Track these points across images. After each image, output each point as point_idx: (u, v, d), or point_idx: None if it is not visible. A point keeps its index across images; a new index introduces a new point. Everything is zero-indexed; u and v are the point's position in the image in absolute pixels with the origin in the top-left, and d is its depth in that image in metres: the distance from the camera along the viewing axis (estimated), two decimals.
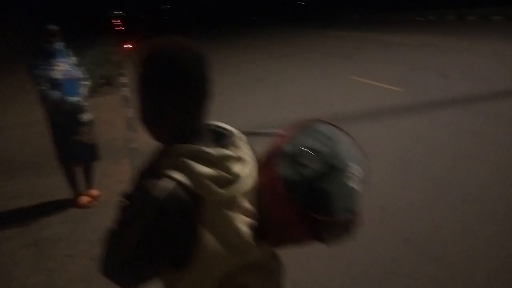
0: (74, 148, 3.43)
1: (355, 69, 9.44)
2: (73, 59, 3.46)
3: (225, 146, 0.88)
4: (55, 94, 3.22)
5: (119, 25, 31.68)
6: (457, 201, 3.41)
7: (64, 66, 3.31)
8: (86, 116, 3.48)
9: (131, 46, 19.32)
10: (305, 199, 0.88)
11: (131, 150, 5.06)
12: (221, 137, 0.94)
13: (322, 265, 2.71)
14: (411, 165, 4.16)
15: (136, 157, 4.82)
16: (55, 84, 3.23)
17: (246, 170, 0.89)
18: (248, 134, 1.07)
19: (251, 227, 0.89)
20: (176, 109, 0.85)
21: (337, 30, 19.78)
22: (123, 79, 9.96)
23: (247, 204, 0.89)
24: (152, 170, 0.88)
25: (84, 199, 3.65)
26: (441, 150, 4.54)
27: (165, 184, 0.78)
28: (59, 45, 3.30)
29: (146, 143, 4.67)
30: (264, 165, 0.95)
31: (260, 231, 0.92)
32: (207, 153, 0.82)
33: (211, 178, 0.80)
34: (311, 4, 45.89)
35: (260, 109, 6.72)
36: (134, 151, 5.01)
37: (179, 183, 0.78)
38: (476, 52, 10.81)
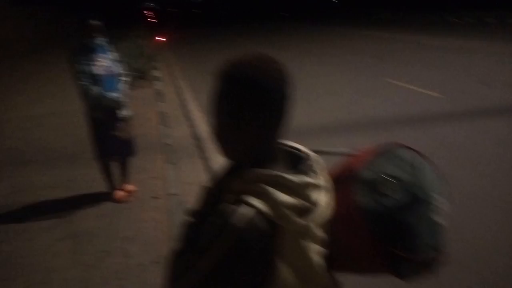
0: (112, 144, 3.45)
1: (391, 71, 9.19)
2: (114, 55, 3.47)
3: (304, 171, 0.82)
4: (96, 89, 3.23)
5: (151, 17, 32.08)
6: (500, 215, 3.24)
7: (105, 62, 3.32)
8: (124, 112, 3.49)
9: (163, 39, 19.57)
10: (385, 232, 0.82)
11: (164, 145, 5.10)
12: (297, 161, 0.88)
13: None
14: (450, 176, 4.00)
15: (170, 153, 4.85)
16: (96, 79, 3.25)
17: (324, 198, 0.84)
18: (316, 152, 1.00)
19: (324, 256, 0.84)
20: (255, 129, 0.80)
21: (371, 29, 19.35)
22: (156, 73, 10.11)
23: (320, 232, 0.83)
24: (223, 190, 0.85)
25: (120, 193, 3.68)
26: (482, 161, 4.34)
27: (245, 212, 0.73)
28: (100, 41, 3.32)
29: (179, 139, 4.75)
30: (339, 190, 0.89)
31: (330, 258, 0.86)
32: (289, 180, 0.77)
33: (292, 207, 0.76)
34: (343, 2, 45.17)
35: (296, 110, 6.61)
36: (167, 147, 5.05)
37: (258, 211, 0.74)
38: None
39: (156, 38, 18.47)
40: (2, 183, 4.24)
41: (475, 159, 4.44)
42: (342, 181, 0.90)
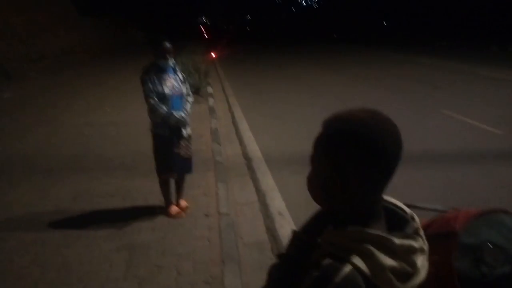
0: (174, 160, 3.56)
1: (448, 102, 8.87)
2: (180, 76, 3.61)
3: (410, 235, 0.80)
4: (163, 108, 3.38)
5: (206, 33, 33.16)
6: None
7: (173, 82, 3.47)
8: (187, 131, 3.61)
9: (215, 55, 20.14)
10: None
11: (216, 163, 5.19)
12: (402, 221, 0.85)
13: None
14: None
15: (221, 171, 4.93)
16: (163, 98, 3.40)
17: (425, 262, 0.81)
18: (410, 207, 0.97)
19: None
20: (361, 187, 0.79)
21: (426, 57, 18.84)
22: (210, 89, 10.38)
23: None
24: (313, 238, 0.85)
25: (174, 209, 3.78)
26: None
27: (349, 272, 0.72)
28: (171, 62, 3.47)
29: (231, 157, 4.82)
30: (436, 250, 0.85)
31: None
32: (395, 244, 0.75)
33: (394, 271, 0.74)
34: (395, 26, 44.46)
35: None
36: (219, 165, 5.14)
37: (361, 272, 0.72)
38: None
39: (209, 54, 19.03)
40: (64, 188, 4.48)
41: None
42: (439, 241, 0.87)
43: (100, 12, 23.40)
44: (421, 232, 0.84)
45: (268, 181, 4.77)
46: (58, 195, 4.31)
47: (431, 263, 0.84)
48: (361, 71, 14.71)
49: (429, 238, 0.88)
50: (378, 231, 0.77)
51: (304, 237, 0.91)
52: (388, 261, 0.74)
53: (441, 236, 0.88)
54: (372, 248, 0.74)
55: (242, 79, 13.39)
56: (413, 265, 0.76)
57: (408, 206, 0.97)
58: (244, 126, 7.19)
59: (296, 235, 0.94)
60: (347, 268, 0.73)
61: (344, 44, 29.36)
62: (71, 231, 3.58)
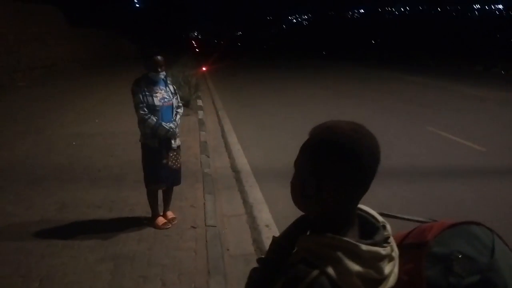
0: (161, 172, 3.58)
1: (433, 119, 9.06)
2: (171, 88, 3.66)
3: (379, 243, 0.83)
4: (153, 119, 3.41)
5: (197, 47, 33.43)
6: None
7: (163, 94, 3.52)
8: (176, 142, 3.64)
9: (206, 69, 20.27)
10: None
11: (204, 175, 5.21)
12: (371, 228, 0.88)
13: None
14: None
15: (209, 183, 4.95)
16: (154, 110, 3.44)
17: (394, 269, 0.84)
18: (385, 216, 1.01)
19: None
20: (336, 194, 0.82)
21: (412, 75, 19.23)
22: (200, 102, 10.44)
23: None
24: (291, 244, 0.88)
25: (161, 220, 3.77)
26: None
27: (315, 275, 0.76)
28: (162, 75, 3.52)
29: (219, 170, 4.84)
30: (407, 258, 0.89)
31: None
32: (362, 250, 0.79)
33: (360, 276, 0.77)
34: (384, 45, 45.35)
35: None
36: (207, 177, 5.15)
37: (327, 275, 0.76)
38: None
39: (200, 67, 19.15)
40: (50, 198, 4.44)
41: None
42: (410, 249, 0.90)
43: (92, 24, 23.47)
44: (391, 241, 0.87)
45: (256, 194, 4.80)
46: (44, 205, 4.27)
47: (405, 271, 0.87)
48: (349, 87, 14.95)
49: (405, 248, 0.92)
50: (346, 238, 0.80)
51: (283, 242, 0.94)
52: (355, 267, 0.76)
53: (415, 246, 0.90)
54: (340, 254, 0.77)
55: (232, 92, 13.50)
56: (380, 272, 0.80)
57: (389, 216, 1.02)
58: (233, 139, 7.24)
59: (275, 241, 0.97)
60: (315, 273, 0.76)
61: (333, 61, 29.81)
62: (56, 241, 3.54)
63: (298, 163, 0.88)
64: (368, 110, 10.29)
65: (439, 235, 0.88)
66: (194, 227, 3.82)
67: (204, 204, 4.31)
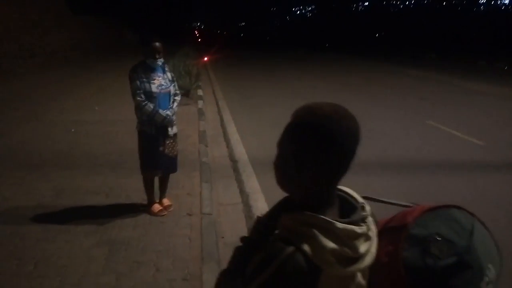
0: (159, 159, 3.59)
1: (433, 114, 9.02)
2: (169, 75, 3.65)
3: (355, 221, 0.84)
4: (150, 106, 3.41)
5: (199, 37, 33.27)
6: None
7: (161, 81, 3.51)
8: (173, 130, 3.64)
9: (207, 59, 20.19)
10: None
11: (202, 164, 5.22)
12: (350, 208, 0.90)
13: None
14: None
15: (206, 172, 4.96)
16: (151, 97, 3.43)
17: (370, 248, 0.86)
18: (371, 200, 1.04)
19: None
20: (316, 176, 0.84)
21: (414, 68, 19.13)
22: (200, 92, 10.42)
23: (361, 279, 0.85)
24: (274, 223, 0.88)
25: (156, 207, 3.79)
26: None
27: (290, 251, 0.77)
28: (160, 61, 3.50)
29: (217, 159, 4.83)
30: (387, 240, 0.90)
31: None
32: (337, 228, 0.80)
33: (334, 253, 0.78)
34: (386, 38, 45.02)
35: None
36: (204, 165, 5.16)
37: (302, 251, 0.78)
38: None
39: (201, 57, 19.07)
40: (48, 183, 4.46)
41: (509, 210, 4.27)
42: (391, 232, 0.91)
43: (94, 12, 23.34)
44: (369, 220, 0.89)
45: (252, 183, 4.81)
46: (41, 191, 4.29)
47: (385, 253, 0.89)
48: (350, 80, 14.89)
49: (387, 231, 0.94)
50: (323, 216, 0.81)
51: (266, 221, 0.95)
52: (330, 244, 0.78)
53: (396, 229, 0.91)
54: (316, 231, 0.79)
55: (233, 83, 13.45)
56: (355, 250, 0.81)
57: (374, 200, 1.04)
58: (232, 129, 7.24)
59: (259, 220, 0.99)
60: (290, 249, 0.77)
61: (336, 54, 29.66)
62: (52, 225, 3.57)
63: (280, 144, 0.89)
64: (368, 102, 10.26)
65: (419, 218, 0.89)
66: (189, 215, 3.83)
67: (200, 192, 4.32)
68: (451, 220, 0.89)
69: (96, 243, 3.30)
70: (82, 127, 6.85)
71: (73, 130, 6.66)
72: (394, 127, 7.78)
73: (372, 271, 0.88)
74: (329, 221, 0.80)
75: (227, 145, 6.32)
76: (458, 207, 0.93)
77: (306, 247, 0.78)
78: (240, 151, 5.98)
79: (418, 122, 8.28)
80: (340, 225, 0.80)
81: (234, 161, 5.57)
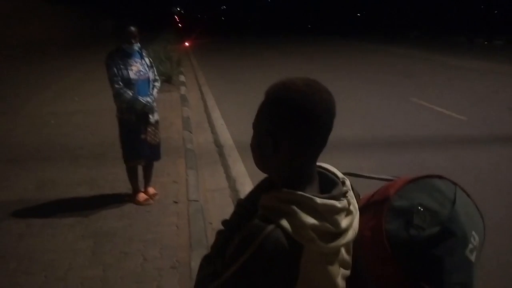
0: (141, 147, 3.51)
1: (417, 91, 9.08)
2: (147, 60, 3.54)
3: (335, 196, 0.82)
4: (129, 93, 3.31)
5: (179, 22, 32.65)
6: None
7: (138, 67, 3.40)
8: (154, 117, 3.56)
9: (189, 44, 19.86)
10: (412, 264, 0.81)
11: (186, 150, 5.15)
12: (330, 184, 0.87)
13: None
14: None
15: (192, 158, 4.89)
16: (129, 83, 3.33)
17: (352, 223, 0.84)
18: (353, 175, 1.02)
19: (346, 278, 0.85)
20: (292, 152, 0.82)
21: (396, 47, 19.21)
22: (181, 78, 10.25)
23: (345, 255, 0.84)
24: (254, 205, 0.86)
25: (142, 196, 3.73)
26: (505, 188, 4.24)
27: (271, 230, 0.75)
28: (137, 46, 3.39)
29: (202, 145, 4.76)
30: (370, 215, 0.89)
31: (352, 281, 0.87)
32: (316, 203, 0.78)
33: (315, 229, 0.76)
34: (369, 18, 44.98)
35: None
36: (190, 152, 5.10)
37: (282, 228, 0.76)
38: None
39: (183, 43, 18.74)
40: (28, 177, 4.34)
41: (499, 185, 4.34)
42: (374, 206, 0.90)
43: (70, 1, 22.61)
44: (349, 195, 0.87)
45: (239, 168, 4.77)
46: (22, 185, 4.18)
47: (368, 228, 0.87)
48: (333, 60, 14.87)
49: (370, 205, 0.92)
50: (301, 192, 0.79)
51: (246, 203, 0.94)
52: (310, 220, 0.76)
53: (378, 202, 0.90)
54: (295, 207, 0.77)
55: (215, 68, 13.28)
56: (336, 225, 0.79)
57: (355, 175, 1.03)
58: (216, 114, 7.16)
59: (239, 203, 0.97)
60: (270, 227, 0.75)
61: (318, 34, 29.51)
62: (35, 220, 3.48)
63: (255, 124, 0.87)
64: (353, 81, 10.27)
65: (401, 190, 0.88)
66: (176, 202, 3.79)
67: (186, 179, 4.27)
68: (433, 190, 0.88)
69: (81, 236, 3.23)
70: (62, 118, 6.67)
71: (52, 121, 6.48)
72: (379, 105, 7.80)
73: (356, 247, 0.86)
74: (308, 196, 0.78)
75: (212, 131, 6.25)
76: (440, 177, 0.93)
77: (285, 224, 0.76)
78: (225, 136, 5.92)
79: (402, 99, 8.32)
80: (319, 200, 0.78)
81: (219, 146, 5.52)
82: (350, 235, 0.82)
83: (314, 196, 0.78)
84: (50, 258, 2.94)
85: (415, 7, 39.92)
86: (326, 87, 0.84)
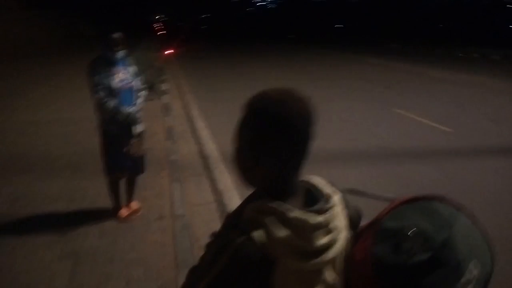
0: (123, 160, 3.33)
1: (399, 102, 9.15)
2: (132, 68, 3.38)
3: (312, 212, 0.79)
4: (112, 103, 3.13)
5: (161, 30, 32.38)
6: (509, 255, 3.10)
7: (124, 75, 3.24)
8: (138, 128, 3.38)
9: (171, 52, 19.64)
10: None
11: (171, 162, 4.97)
12: (314, 199, 0.85)
13: None
14: None
15: (176, 170, 4.71)
16: (113, 93, 3.16)
17: (335, 243, 0.81)
18: (355, 194, 0.99)
19: None
20: (274, 164, 0.81)
21: (377, 58, 19.46)
22: (164, 86, 10.05)
23: (329, 276, 0.80)
24: (238, 217, 0.86)
25: (124, 212, 3.54)
26: (489, 199, 4.25)
27: (240, 241, 0.75)
28: (121, 54, 3.23)
29: (186, 156, 4.60)
30: (363, 236, 0.84)
31: None
32: (287, 216, 0.76)
33: (286, 244, 0.75)
34: (349, 29, 45.75)
35: None
36: (173, 164, 4.92)
37: (254, 241, 0.75)
38: None
39: (165, 51, 18.52)
40: (1, 190, 4.08)
41: (484, 196, 4.34)
42: (368, 227, 0.85)
43: (47, 6, 22.12)
44: (333, 213, 0.82)
45: (225, 181, 4.61)
46: None
47: (359, 250, 0.83)
48: (315, 70, 14.93)
49: (367, 226, 0.87)
50: (279, 204, 0.77)
51: (233, 216, 0.93)
52: (281, 232, 0.74)
53: (372, 223, 0.85)
54: (268, 219, 0.76)
55: (199, 76, 13.13)
56: (309, 241, 0.76)
57: (359, 193, 1.00)
58: (200, 124, 6.99)
59: (227, 216, 0.97)
60: (241, 239, 0.75)
61: (299, 45, 29.75)
62: (8, 238, 3.24)
63: (236, 138, 0.87)
64: (335, 92, 10.30)
65: (395, 210, 0.83)
66: (160, 218, 3.61)
67: (170, 193, 4.09)
68: (430, 212, 0.80)
69: (58, 256, 3.01)
70: (38, 128, 6.38)
71: (28, 132, 6.18)
72: (363, 116, 7.80)
73: (348, 270, 0.83)
74: (281, 210, 0.77)
75: (196, 141, 6.08)
76: (442, 199, 0.85)
77: (258, 235, 0.75)
78: (211, 147, 5.76)
79: (385, 110, 8.36)
80: (291, 213, 0.76)
81: (204, 158, 5.35)
82: (331, 254, 0.79)
83: (289, 209, 0.77)
84: (24, 282, 2.73)
85: (393, 19, 40.91)
86: (302, 96, 0.84)
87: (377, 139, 6.38)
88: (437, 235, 0.75)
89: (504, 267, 2.99)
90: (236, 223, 0.82)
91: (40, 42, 19.53)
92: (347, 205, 0.91)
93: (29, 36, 18.60)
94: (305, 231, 0.76)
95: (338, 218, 0.83)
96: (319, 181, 0.89)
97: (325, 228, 0.79)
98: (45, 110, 7.65)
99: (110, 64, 3.18)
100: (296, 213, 0.76)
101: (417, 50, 24.94)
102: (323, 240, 0.78)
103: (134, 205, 3.66)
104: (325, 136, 6.47)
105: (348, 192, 0.95)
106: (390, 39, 32.11)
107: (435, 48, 24.72)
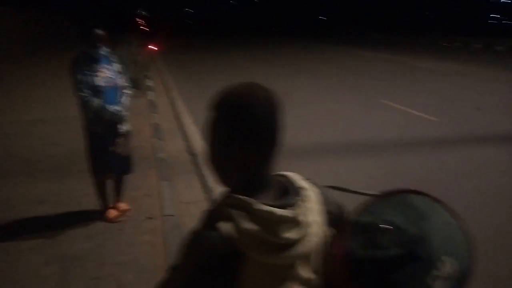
0: (110, 159, 3.24)
1: (386, 93, 9.18)
2: (117, 66, 3.29)
3: (281, 205, 0.78)
4: (97, 101, 3.04)
5: (143, 25, 31.90)
6: (491, 248, 3.13)
7: (108, 73, 3.14)
8: (125, 127, 3.29)
9: (155, 48, 19.36)
10: (368, 286, 0.74)
11: (158, 160, 4.88)
12: (283, 193, 0.83)
13: None
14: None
15: (164, 169, 4.63)
16: (97, 91, 3.06)
17: (305, 237, 0.79)
18: (337, 189, 0.97)
19: None
20: (244, 158, 0.81)
21: (360, 49, 19.55)
22: (149, 82, 9.89)
23: (303, 271, 0.80)
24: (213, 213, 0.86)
25: (112, 213, 3.45)
26: (478, 186, 4.30)
27: (209, 234, 0.75)
28: (104, 51, 3.13)
29: (174, 154, 4.50)
30: (341, 231, 0.83)
31: None
32: (255, 210, 0.75)
33: (253, 236, 0.74)
34: (332, 20, 45.84)
35: (289, 128, 6.48)
36: (161, 162, 4.83)
37: (224, 235, 0.74)
38: (508, 83, 10.54)
39: (149, 46, 18.24)
40: None
41: (471, 184, 4.38)
42: (345, 224, 0.83)
43: (28, 4, 21.54)
44: (303, 206, 0.81)
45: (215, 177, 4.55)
46: None
47: (335, 245, 0.82)
48: (301, 63, 14.91)
49: (344, 223, 0.85)
50: (245, 197, 0.77)
51: (207, 212, 0.91)
52: (248, 225, 0.74)
53: (348, 219, 0.84)
54: (234, 212, 0.75)
55: (184, 71, 12.98)
56: (275, 233, 0.75)
57: (340, 189, 0.97)
58: (187, 120, 6.89)
59: (204, 214, 0.94)
60: (206, 232, 0.75)
61: (284, 38, 29.68)
62: None
63: (206, 138, 0.87)
64: (321, 85, 10.28)
65: (370, 204, 0.83)
66: (150, 218, 3.54)
67: (159, 192, 4.02)
68: (405, 206, 0.80)
69: (45, 261, 2.92)
70: (19, 128, 6.21)
71: (8, 133, 6.01)
72: (350, 108, 7.81)
73: (325, 267, 0.82)
74: (247, 202, 0.76)
75: (184, 138, 5.99)
76: (418, 192, 0.84)
77: (223, 228, 0.74)
78: (199, 144, 5.68)
79: (372, 102, 8.38)
80: (257, 206, 0.75)
81: (193, 154, 5.27)
82: (301, 249, 0.77)
83: (255, 202, 0.76)
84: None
85: (378, 10, 41.10)
86: (265, 87, 0.84)
87: (364, 131, 6.39)
88: (410, 228, 0.74)
89: (487, 248, 3.02)
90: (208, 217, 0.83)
91: (21, 40, 19.04)
92: (326, 201, 0.89)
93: (6, 34, 18.09)
94: (271, 224, 0.75)
95: (311, 213, 0.82)
96: (293, 176, 0.88)
97: (293, 222, 0.77)
98: (27, 110, 7.44)
99: (93, 61, 3.08)
100: (262, 206, 0.76)
101: (401, 39, 25.13)
102: (290, 234, 0.76)
103: (123, 205, 3.58)
104: (311, 129, 6.45)
105: (328, 188, 0.94)
106: (373, 29, 32.25)
107: (418, 38, 24.89)
